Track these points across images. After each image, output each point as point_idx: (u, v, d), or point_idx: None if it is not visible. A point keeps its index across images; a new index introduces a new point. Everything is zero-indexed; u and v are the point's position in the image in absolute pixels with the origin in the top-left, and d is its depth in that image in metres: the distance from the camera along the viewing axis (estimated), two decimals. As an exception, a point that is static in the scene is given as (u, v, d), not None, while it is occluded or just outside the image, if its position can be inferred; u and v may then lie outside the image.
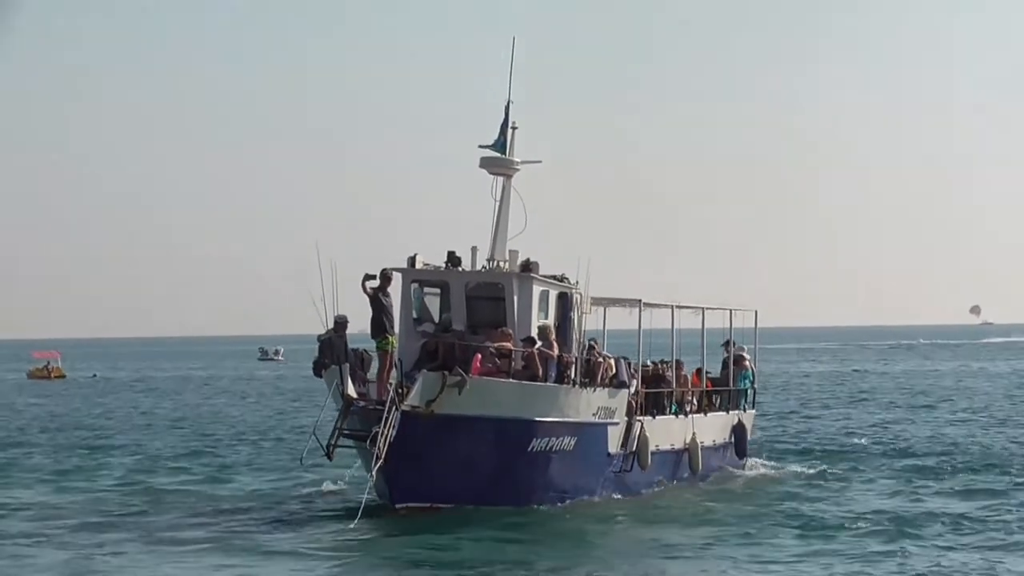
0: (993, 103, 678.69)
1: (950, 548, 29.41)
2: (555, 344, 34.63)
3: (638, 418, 36.94)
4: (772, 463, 44.33)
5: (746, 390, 43.73)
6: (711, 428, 41.16)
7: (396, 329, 34.40)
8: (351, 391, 32.82)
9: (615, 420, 36.20)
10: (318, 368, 33.74)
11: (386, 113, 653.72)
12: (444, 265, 35.64)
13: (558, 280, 35.87)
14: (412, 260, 35.47)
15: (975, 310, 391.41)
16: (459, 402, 32.26)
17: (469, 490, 33.00)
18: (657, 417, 38.31)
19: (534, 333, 34.51)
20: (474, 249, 35.79)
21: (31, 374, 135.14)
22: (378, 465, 31.62)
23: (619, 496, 36.28)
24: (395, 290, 34.82)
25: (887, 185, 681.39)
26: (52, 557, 29.02)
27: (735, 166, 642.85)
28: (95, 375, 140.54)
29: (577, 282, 36.06)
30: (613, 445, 36.25)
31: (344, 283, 33.82)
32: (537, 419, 33.71)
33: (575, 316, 35.88)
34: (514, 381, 33.48)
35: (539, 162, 37.36)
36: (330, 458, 33.03)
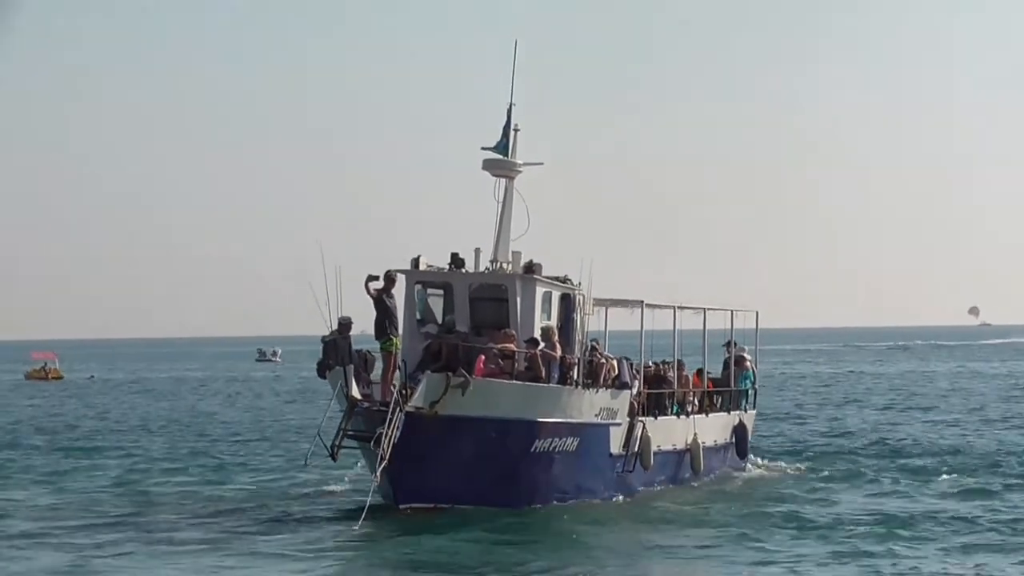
0: (993, 103, 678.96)
1: (946, 550, 29.49)
2: (558, 345, 34.74)
3: (640, 419, 37.07)
4: (772, 463, 44.49)
5: (747, 390, 43.88)
6: (712, 429, 41.27)
7: (400, 330, 34.50)
8: (355, 392, 32.92)
9: (617, 421, 36.31)
10: (322, 369, 33.80)
11: (386, 113, 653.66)
12: (448, 267, 35.75)
13: (561, 281, 35.99)
14: (416, 262, 35.59)
15: (974, 311, 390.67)
16: (463, 403, 32.37)
17: (472, 491, 33.11)
18: (659, 418, 38.42)
19: (537, 334, 34.62)
20: (477, 251, 35.91)
21: (28, 375, 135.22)
22: (382, 466, 31.74)
23: (621, 497, 36.40)
24: (399, 291, 34.94)
25: (887, 185, 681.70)
26: (49, 559, 28.97)
27: (735, 166, 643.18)
28: (92, 376, 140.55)
29: (579, 283, 36.21)
30: (615, 446, 36.37)
31: (346, 284, 33.95)
32: (540, 420, 33.83)
33: (578, 317, 36.01)
34: (517, 382, 33.59)
35: (541, 164, 37.53)
36: (334, 459, 33.15)
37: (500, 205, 36.57)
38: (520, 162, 36.92)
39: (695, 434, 39.97)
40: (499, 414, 33.08)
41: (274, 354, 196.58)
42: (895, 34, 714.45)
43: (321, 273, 33.18)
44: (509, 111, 36.74)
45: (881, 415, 68.71)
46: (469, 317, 35.36)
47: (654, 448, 37.39)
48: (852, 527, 31.89)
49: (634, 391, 37.05)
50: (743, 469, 42.69)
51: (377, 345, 34.25)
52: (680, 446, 39.48)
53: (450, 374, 32.51)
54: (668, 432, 38.73)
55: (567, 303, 36.03)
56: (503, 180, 36.69)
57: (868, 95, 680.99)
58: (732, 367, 43.24)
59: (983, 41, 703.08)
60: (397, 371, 33.34)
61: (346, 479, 38.42)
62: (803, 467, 43.75)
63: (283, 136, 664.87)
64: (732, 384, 43.15)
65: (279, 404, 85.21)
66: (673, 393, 39.85)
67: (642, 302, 38.65)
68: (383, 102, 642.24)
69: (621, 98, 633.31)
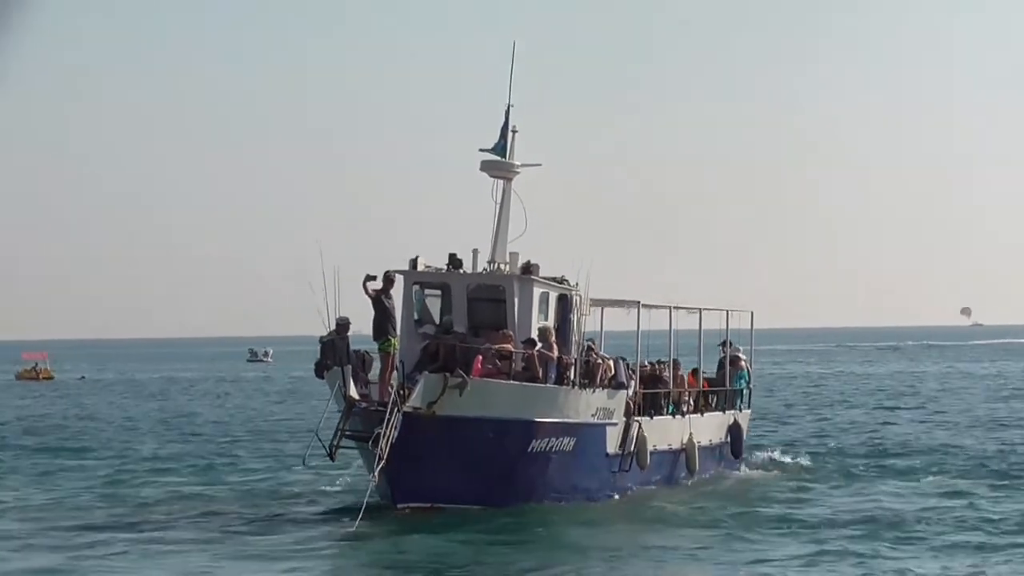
0: (993, 103, 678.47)
1: (936, 549, 29.60)
2: (555, 346, 34.87)
3: (636, 419, 37.21)
4: (766, 463, 44.62)
5: (742, 390, 44.04)
6: (708, 428, 41.41)
7: (398, 331, 34.60)
8: (353, 392, 33.04)
9: (614, 421, 36.45)
10: (320, 370, 33.91)
11: (386, 113, 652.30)
12: (445, 267, 35.88)
13: (558, 282, 36.12)
14: (414, 262, 35.71)
15: (966, 311, 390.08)
16: (460, 403, 32.49)
17: (470, 490, 33.22)
18: (655, 417, 38.56)
19: (534, 335, 34.74)
20: (475, 251, 36.03)
21: (19, 375, 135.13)
22: (380, 466, 31.84)
23: (617, 496, 36.53)
24: (396, 292, 35.03)
25: (887, 185, 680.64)
26: (40, 559, 28.88)
27: (735, 166, 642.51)
28: (83, 376, 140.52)
29: (577, 284, 36.34)
30: (612, 446, 36.50)
31: (344, 284, 34.06)
32: (537, 420, 33.96)
33: (575, 318, 36.14)
34: (514, 382, 33.71)
35: (539, 165, 37.64)
36: (332, 459, 33.28)
37: (498, 206, 36.70)
38: (518, 163, 37.04)
39: (691, 434, 40.12)
40: (496, 414, 33.20)
41: (265, 354, 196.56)
42: (895, 34, 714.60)
43: (319, 273, 33.36)
44: (507, 112, 36.86)
45: (870, 415, 68.90)
46: (467, 317, 35.47)
47: (650, 448, 37.53)
48: (844, 528, 31.94)
49: (630, 391, 37.20)
50: (738, 469, 42.84)
51: (374, 345, 34.37)
52: (676, 446, 39.62)
53: (448, 374, 32.62)
54: (664, 432, 38.87)
55: (564, 304, 36.15)
56: (501, 181, 36.84)
57: (868, 95, 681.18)
58: (727, 367, 43.41)
59: (983, 41, 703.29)
60: (395, 371, 33.45)
61: (339, 481, 38.43)
62: (797, 467, 43.86)
63: (283, 136, 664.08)
64: (727, 384, 43.32)
65: (268, 404, 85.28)
66: (669, 393, 40.00)
67: (638, 302, 38.80)
68: (383, 102, 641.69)
69: (621, 98, 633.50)
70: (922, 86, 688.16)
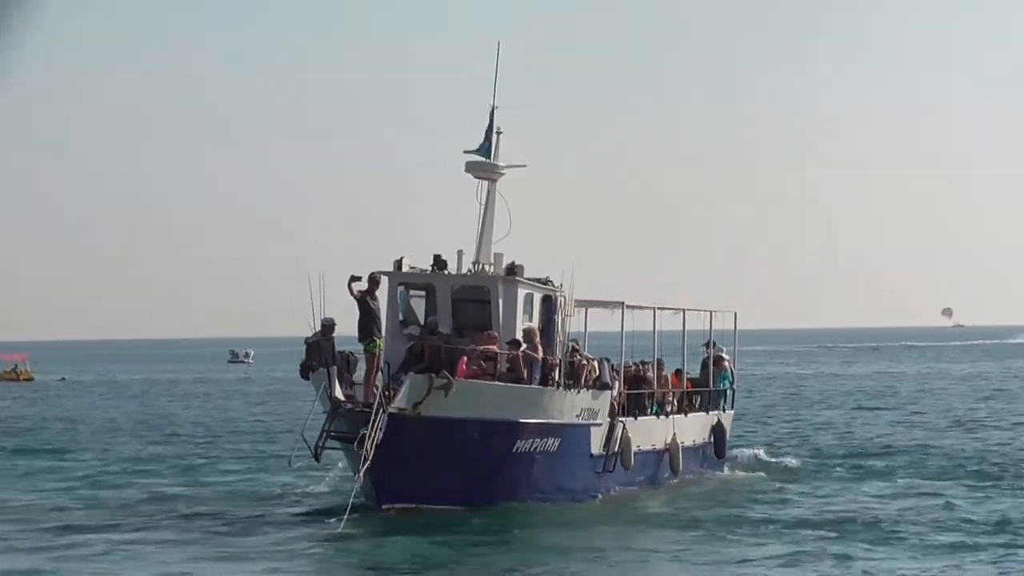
0: (993, 103, 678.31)
1: (914, 548, 29.76)
2: (539, 347, 34.96)
3: (620, 419, 37.32)
4: (749, 464, 44.76)
5: (725, 391, 44.17)
6: (691, 429, 41.54)
7: (383, 332, 34.65)
8: (338, 393, 33.09)
9: (598, 421, 36.56)
10: (305, 370, 33.94)
11: (386, 113, 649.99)
12: (430, 268, 35.95)
13: (542, 283, 36.21)
14: (398, 263, 35.78)
15: (947, 312, 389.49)
16: (445, 404, 32.57)
17: (454, 491, 33.28)
18: (639, 418, 38.68)
19: (519, 336, 34.84)
20: (459, 252, 36.11)
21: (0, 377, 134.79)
22: (365, 466, 31.88)
23: (602, 496, 36.64)
24: (381, 293, 35.08)
25: (887, 185, 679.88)
26: (20, 561, 28.72)
27: (735, 166, 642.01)
28: (63, 378, 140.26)
29: (561, 285, 36.44)
30: (596, 446, 36.63)
31: (331, 285, 34.14)
32: (522, 421, 34.06)
33: (559, 319, 36.24)
34: (499, 383, 33.79)
35: (524, 166, 37.74)
36: (318, 459, 33.35)
37: (482, 207, 36.80)
38: (503, 164, 37.13)
39: (674, 434, 40.26)
40: (481, 415, 33.28)
41: (247, 355, 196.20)
42: (895, 34, 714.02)
43: (315, 274, 33.48)
44: (491, 114, 36.94)
45: (850, 416, 69.15)
46: (451, 318, 35.54)
47: (634, 448, 37.65)
48: (824, 528, 32.03)
49: (614, 392, 37.30)
50: (721, 469, 42.98)
51: (360, 346, 34.42)
52: (660, 446, 39.76)
53: (433, 375, 32.70)
54: (648, 432, 38.99)
55: (548, 305, 36.25)
56: (485, 182, 36.91)
57: (868, 95, 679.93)
58: (711, 367, 43.53)
59: (983, 41, 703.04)
60: (380, 372, 33.50)
61: (324, 482, 38.44)
62: (779, 468, 43.98)
63: (283, 136, 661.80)
64: (711, 384, 43.44)
65: (248, 405, 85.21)
66: (653, 393, 40.12)
67: (622, 303, 38.90)
68: (383, 102, 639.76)
69: (621, 98, 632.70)
70: (922, 86, 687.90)
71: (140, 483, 41.46)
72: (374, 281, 34.56)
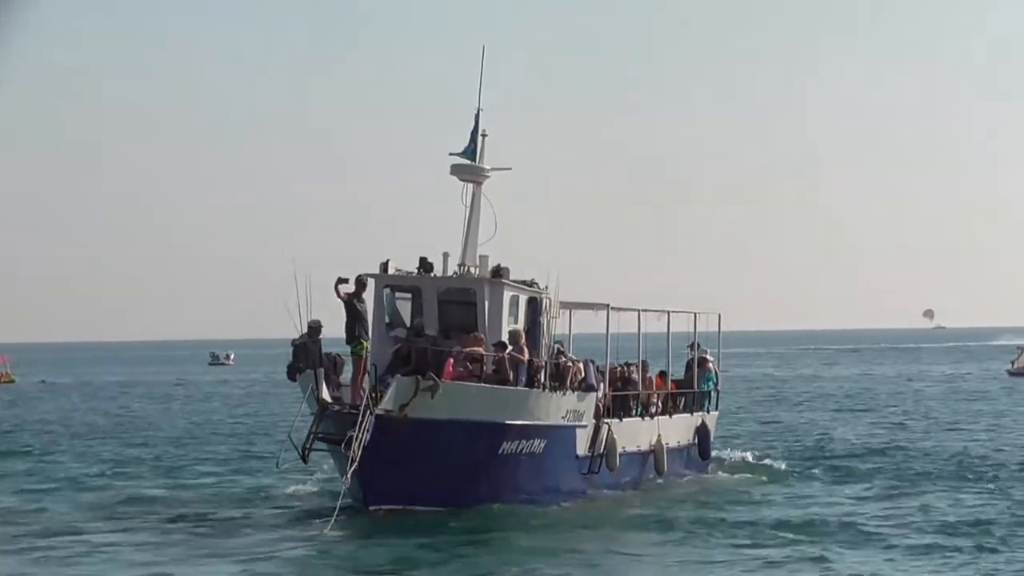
0: (994, 105, 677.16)
1: (893, 550, 29.89)
2: (525, 349, 35.11)
3: (605, 421, 37.47)
4: (733, 465, 44.93)
5: (710, 392, 44.33)
6: (676, 430, 41.68)
7: (369, 334, 34.75)
8: (326, 395, 33.20)
9: (584, 423, 36.71)
10: (292, 372, 34.03)
11: (386, 113, 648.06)
12: (416, 271, 36.07)
13: (527, 285, 36.36)
14: (385, 266, 35.90)
15: (928, 314, 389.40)
16: (432, 406, 32.70)
17: (441, 492, 33.42)
18: (624, 419, 38.83)
19: (505, 338, 34.97)
20: (445, 255, 36.28)
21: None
22: (352, 468, 31.99)
23: (588, 498, 36.78)
24: (368, 295, 35.18)
25: (887, 185, 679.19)
26: (1, 565, 28.72)
27: (735, 166, 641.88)
28: (43, 380, 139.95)
29: (546, 287, 36.59)
30: (582, 447, 36.77)
31: (319, 287, 34.25)
32: (508, 422, 34.20)
33: (544, 321, 36.40)
34: (485, 385, 33.92)
35: (509, 169, 37.88)
36: (305, 461, 33.46)
37: (468, 210, 36.95)
38: (488, 167, 37.27)
39: (659, 435, 40.41)
40: (467, 416, 33.40)
41: (227, 357, 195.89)
42: (895, 34, 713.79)
43: (299, 277, 33.58)
44: (477, 116, 37.09)
45: (831, 417, 69.33)
46: (437, 321, 35.67)
47: (619, 450, 37.80)
48: (805, 530, 32.19)
49: (600, 393, 37.45)
50: (705, 470, 43.14)
51: (346, 348, 34.52)
52: (644, 447, 39.90)
53: (419, 377, 32.83)
54: (633, 434, 39.14)
55: (534, 307, 36.42)
56: (471, 185, 37.05)
57: (868, 95, 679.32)
58: (695, 368, 43.69)
59: (983, 41, 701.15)
60: (367, 374, 33.61)
61: (310, 483, 38.51)
62: (762, 469, 44.11)
63: (283, 136, 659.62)
64: (695, 386, 43.61)
65: (229, 407, 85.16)
66: (638, 395, 40.28)
67: (607, 305, 39.05)
68: (383, 102, 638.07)
69: (621, 98, 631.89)
70: (922, 86, 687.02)
71: (120, 485, 41.38)
72: (361, 284, 34.67)
